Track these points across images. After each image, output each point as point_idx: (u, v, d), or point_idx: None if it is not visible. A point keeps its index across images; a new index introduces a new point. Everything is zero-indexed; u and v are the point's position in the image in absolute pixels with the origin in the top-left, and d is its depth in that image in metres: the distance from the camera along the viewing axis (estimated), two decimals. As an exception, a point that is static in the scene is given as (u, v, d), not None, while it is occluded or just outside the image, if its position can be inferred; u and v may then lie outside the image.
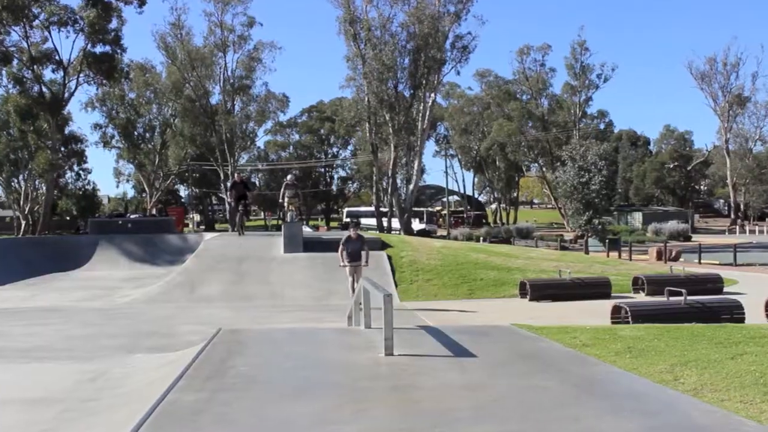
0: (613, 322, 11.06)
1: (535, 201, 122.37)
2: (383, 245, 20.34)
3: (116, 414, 5.48)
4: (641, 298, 15.31)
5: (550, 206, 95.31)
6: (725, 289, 16.30)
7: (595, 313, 12.47)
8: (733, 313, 11.44)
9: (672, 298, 12.04)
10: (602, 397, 4.67)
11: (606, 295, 15.54)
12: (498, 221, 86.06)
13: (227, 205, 22.84)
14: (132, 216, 34.66)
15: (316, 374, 5.55)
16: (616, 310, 11.44)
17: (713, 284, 16.59)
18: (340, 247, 12.86)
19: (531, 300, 15.56)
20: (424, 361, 6.02)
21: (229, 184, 23.22)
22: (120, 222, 27.58)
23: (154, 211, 52.61)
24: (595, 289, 16.10)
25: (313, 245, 19.96)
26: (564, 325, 8.67)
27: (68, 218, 57.51)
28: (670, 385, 5.12)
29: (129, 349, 9.69)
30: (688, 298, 11.65)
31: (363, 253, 13.37)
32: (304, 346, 7.02)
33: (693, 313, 11.00)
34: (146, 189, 68.27)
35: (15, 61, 44.71)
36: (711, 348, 6.50)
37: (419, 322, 10.69)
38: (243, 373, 5.61)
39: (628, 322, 10.67)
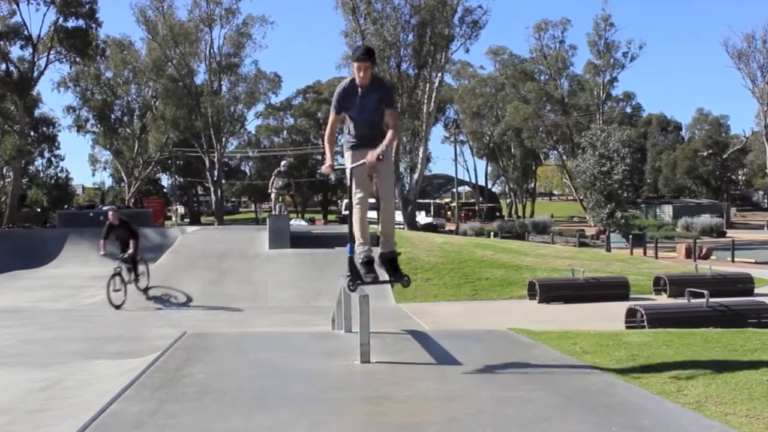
0: (627, 327, 11.05)
1: (555, 192, 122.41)
2: (379, 240, 20.33)
3: (62, 427, 5.47)
4: (663, 299, 15.30)
5: (570, 198, 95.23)
6: (756, 291, 16.26)
7: (610, 316, 12.47)
8: (761, 316, 11.41)
9: (693, 300, 12.01)
10: (591, 410, 4.64)
11: (624, 297, 15.56)
12: (513, 214, 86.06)
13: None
14: (105, 208, 34.72)
15: (279, 383, 5.53)
16: (631, 313, 11.43)
17: (743, 285, 16.57)
18: (331, 116, 6.50)
19: (540, 302, 15.59)
20: (403, 369, 6.01)
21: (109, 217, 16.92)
22: (91, 214, 27.64)
23: (132, 203, 52.69)
24: (611, 289, 16.12)
25: (301, 241, 19.99)
26: (565, 330, 8.65)
27: (39, 210, 57.68)
28: (671, 397, 5.09)
29: (90, 355, 9.72)
30: (712, 300, 11.64)
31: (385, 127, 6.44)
32: (274, 352, 7.01)
33: (715, 316, 10.99)
34: (124, 178, 68.43)
35: (-22, 37, 44.84)
36: (723, 356, 6.48)
37: (411, 326, 10.69)
38: (198, 381, 5.60)
39: (643, 327, 10.65)
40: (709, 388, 5.33)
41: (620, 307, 12.04)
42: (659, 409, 4.75)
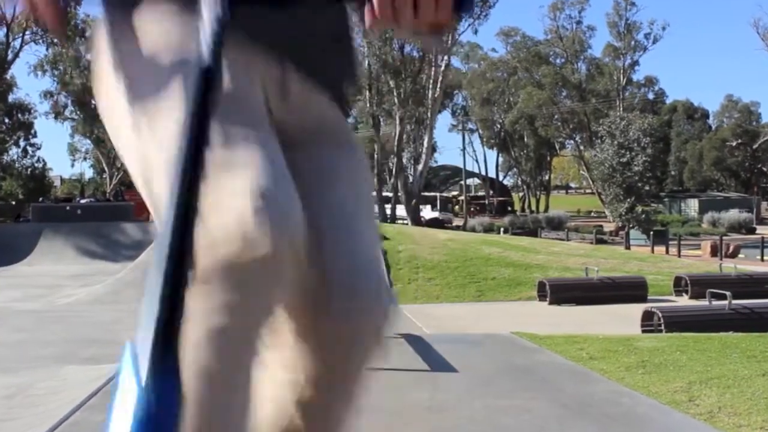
0: (643, 330, 11.08)
1: (572, 185, 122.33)
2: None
3: (26, 437, 5.49)
4: (684, 301, 15.33)
5: (588, 191, 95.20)
6: (785, 291, 16.24)
7: (625, 319, 12.48)
8: (788, 320, 11.40)
9: (715, 302, 12.02)
10: (593, 421, 4.63)
11: (641, 298, 15.59)
12: (526, 209, 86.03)
13: None
14: (82, 201, 34.81)
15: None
16: (647, 316, 11.45)
17: (771, 285, 16.57)
18: None
19: (551, 303, 15.62)
20: (392, 377, 5.99)
21: None
22: (68, 208, 27.74)
23: (113, 195, 52.78)
24: (628, 290, 16.15)
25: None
26: (573, 334, 8.65)
27: (13, 202, 57.76)
28: (680, 408, 5.08)
29: (62, 360, 9.71)
30: (735, 301, 11.65)
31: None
32: (255, 358, 7.01)
33: (738, 319, 11.00)
34: (106, 169, 68.47)
35: (-53, 16, 44.86)
36: (741, 362, 6.46)
37: (408, 329, 10.69)
38: (171, 389, 5.59)
39: (661, 330, 10.67)
40: (724, 397, 5.32)
41: (636, 310, 12.06)
42: (666, 420, 4.75)
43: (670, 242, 40.15)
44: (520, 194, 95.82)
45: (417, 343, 7.73)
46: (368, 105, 53.09)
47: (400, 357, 6.94)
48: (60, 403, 6.38)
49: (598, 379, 6.01)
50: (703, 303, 12.60)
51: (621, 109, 65.97)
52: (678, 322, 10.72)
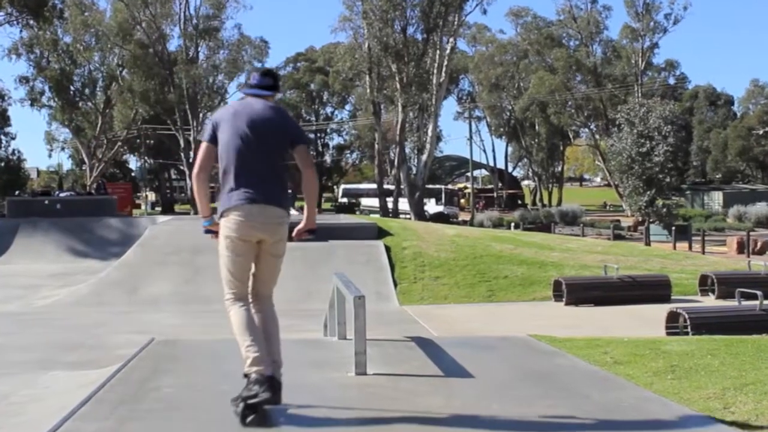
0: (668, 333, 11.07)
1: (586, 176, 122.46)
2: (380, 233, 20.43)
3: (9, 448, 5.50)
4: (710, 301, 15.33)
5: (604, 183, 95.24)
6: (819, 291, 16.22)
7: (648, 320, 12.50)
8: (823, 321, 11.40)
9: (745, 302, 12.02)
10: (620, 430, 4.65)
11: (665, 298, 15.58)
12: (537, 202, 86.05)
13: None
14: (62, 194, 34.84)
15: (259, 399, 5.53)
16: (672, 318, 11.44)
17: (804, 284, 16.55)
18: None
19: (567, 304, 15.61)
20: (404, 383, 6.03)
21: None
22: (46, 202, 27.78)
23: (95, 188, 52.79)
24: (650, 290, 16.14)
25: (288, 233, 20.02)
26: (595, 337, 8.66)
27: (-14, 197, 57.85)
28: (716, 415, 5.09)
29: (44, 365, 9.74)
30: (767, 302, 11.63)
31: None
32: (254, 363, 7.01)
33: (770, 320, 11.00)
34: (86, 160, 68.48)
35: None
36: (778, 367, 6.47)
37: (416, 332, 10.72)
38: (166, 396, 5.63)
39: (687, 333, 10.67)
40: (761, 404, 5.33)
41: (660, 311, 12.06)
42: (699, 429, 4.75)
43: (693, 238, 40.18)
44: (531, 186, 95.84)
45: (428, 346, 7.74)
46: (368, 91, 53.05)
47: (410, 361, 6.95)
48: (44, 412, 6.38)
49: (623, 384, 6.02)
50: (732, 303, 12.59)
51: (639, 94, 65.91)
52: (705, 324, 10.72)
